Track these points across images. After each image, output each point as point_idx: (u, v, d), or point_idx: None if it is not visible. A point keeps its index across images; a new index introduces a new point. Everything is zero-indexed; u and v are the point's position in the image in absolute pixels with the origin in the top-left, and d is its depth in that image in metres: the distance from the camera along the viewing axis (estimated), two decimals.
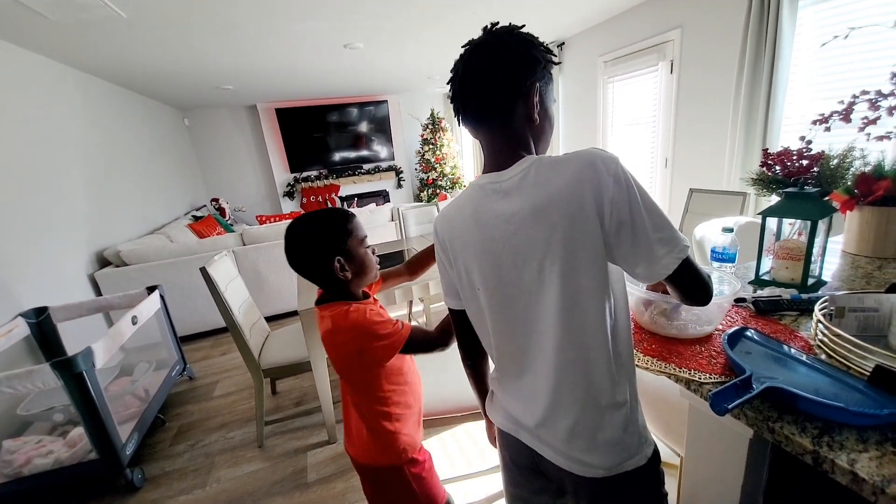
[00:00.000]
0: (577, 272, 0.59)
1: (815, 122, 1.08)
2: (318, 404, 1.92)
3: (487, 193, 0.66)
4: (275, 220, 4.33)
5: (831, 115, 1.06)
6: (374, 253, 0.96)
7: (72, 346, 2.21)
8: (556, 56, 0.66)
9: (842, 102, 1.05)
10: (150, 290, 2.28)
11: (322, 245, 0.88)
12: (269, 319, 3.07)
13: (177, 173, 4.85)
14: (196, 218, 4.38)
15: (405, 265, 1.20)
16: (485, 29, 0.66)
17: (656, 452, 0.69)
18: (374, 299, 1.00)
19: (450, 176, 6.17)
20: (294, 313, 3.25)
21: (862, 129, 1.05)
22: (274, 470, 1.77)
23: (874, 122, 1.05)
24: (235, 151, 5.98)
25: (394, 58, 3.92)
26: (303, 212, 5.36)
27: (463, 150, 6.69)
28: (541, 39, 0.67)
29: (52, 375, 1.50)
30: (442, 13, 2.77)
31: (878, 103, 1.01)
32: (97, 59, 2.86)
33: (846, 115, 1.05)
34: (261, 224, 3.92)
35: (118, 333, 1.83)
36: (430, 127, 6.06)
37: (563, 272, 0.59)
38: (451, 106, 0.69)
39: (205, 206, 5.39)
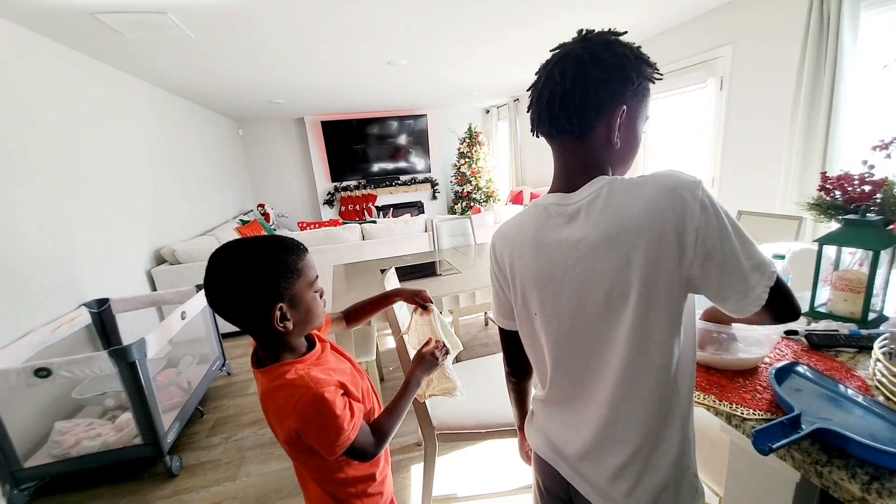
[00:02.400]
0: (651, 307, 0.54)
1: (875, 148, 1.01)
2: None
3: (552, 216, 0.62)
4: (315, 227, 4.52)
5: (893, 141, 0.98)
6: (322, 296, 0.78)
7: (127, 337, 2.39)
8: (657, 71, 0.59)
9: None
10: (199, 288, 2.44)
11: (260, 287, 0.68)
12: None
13: (228, 179, 5.19)
14: (243, 222, 4.64)
15: (342, 312, 1.07)
16: (579, 33, 0.59)
17: None
18: (323, 344, 0.82)
19: (484, 189, 6.20)
20: None
21: None
22: None
23: None
24: (282, 160, 6.32)
25: (435, 75, 4.02)
26: (341, 221, 5.54)
27: (499, 165, 6.71)
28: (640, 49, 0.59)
29: (109, 362, 1.63)
30: (483, 35, 2.83)
31: None
32: (165, 73, 3.13)
33: None
34: (301, 230, 4.10)
35: (168, 327, 1.96)
36: (468, 141, 6.13)
37: (636, 306, 0.55)
38: (528, 117, 0.65)
39: (251, 210, 5.71)
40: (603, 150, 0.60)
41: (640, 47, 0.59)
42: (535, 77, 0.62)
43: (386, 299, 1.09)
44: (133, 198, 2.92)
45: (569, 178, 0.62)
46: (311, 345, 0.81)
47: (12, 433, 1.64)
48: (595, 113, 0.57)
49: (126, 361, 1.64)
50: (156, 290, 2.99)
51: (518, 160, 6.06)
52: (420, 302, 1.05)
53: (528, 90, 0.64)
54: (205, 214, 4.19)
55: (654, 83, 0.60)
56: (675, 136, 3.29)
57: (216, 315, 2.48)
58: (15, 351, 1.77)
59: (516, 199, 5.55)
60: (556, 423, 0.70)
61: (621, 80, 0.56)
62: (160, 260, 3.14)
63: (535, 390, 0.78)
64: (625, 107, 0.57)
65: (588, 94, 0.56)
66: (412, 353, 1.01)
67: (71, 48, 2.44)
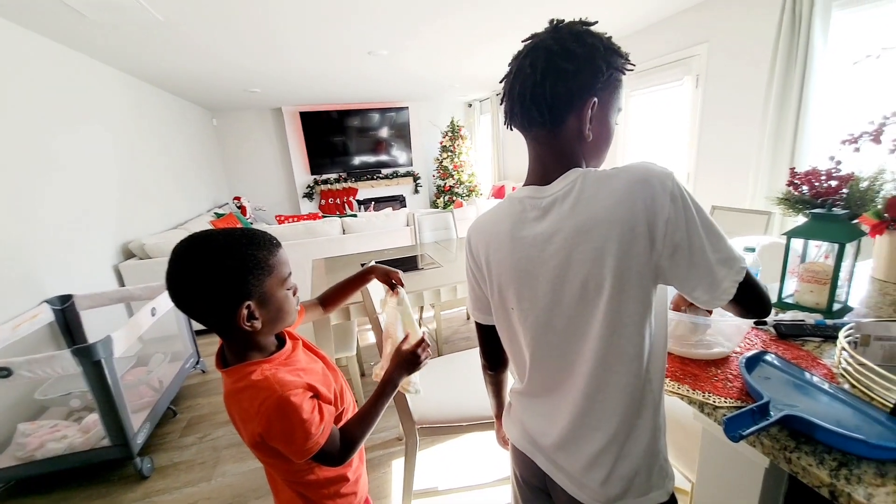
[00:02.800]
0: (623, 297, 0.55)
1: (844, 142, 1.05)
2: None
3: (526, 209, 0.62)
4: (293, 220, 4.42)
5: (861, 136, 1.02)
6: (295, 293, 0.75)
7: (93, 334, 2.28)
8: (628, 62, 0.59)
9: (872, 123, 1.01)
10: None
11: (225, 283, 0.64)
12: None
13: (202, 171, 5.00)
14: (218, 215, 4.50)
15: (318, 298, 1.03)
16: (550, 23, 0.59)
17: (674, 497, 0.65)
18: (294, 343, 0.79)
19: (467, 184, 6.19)
20: None
21: (893, 151, 1.01)
22: None
23: None
24: (259, 152, 6.14)
25: (416, 66, 3.97)
26: (321, 214, 5.44)
27: (481, 159, 6.71)
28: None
29: (72, 361, 1.55)
30: (463, 25, 2.80)
31: None
32: (134, 59, 2.98)
33: (877, 137, 1.01)
34: (279, 224, 4.00)
35: (137, 324, 1.88)
36: (450, 134, 6.10)
37: (609, 297, 0.55)
38: (502, 108, 0.64)
39: (227, 203, 5.53)
40: (575, 142, 0.60)
41: (610, 38, 0.59)
42: (507, 68, 0.62)
43: (362, 279, 1.05)
44: (99, 189, 2.77)
45: (543, 171, 0.62)
46: (281, 343, 0.77)
47: None
48: (566, 105, 0.57)
49: (91, 360, 1.56)
50: (124, 285, 2.86)
51: (500, 154, 6.07)
52: (391, 283, 1.03)
53: (500, 81, 0.64)
54: (177, 207, 4.04)
55: (624, 74, 0.60)
56: (653, 131, 3.35)
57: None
58: None
59: (498, 193, 5.56)
60: (533, 414, 0.70)
61: (592, 71, 0.56)
62: (129, 254, 3.01)
63: (512, 382, 0.78)
64: (596, 98, 0.57)
65: (558, 86, 0.56)
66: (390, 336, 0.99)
67: (30, 30, 2.28)
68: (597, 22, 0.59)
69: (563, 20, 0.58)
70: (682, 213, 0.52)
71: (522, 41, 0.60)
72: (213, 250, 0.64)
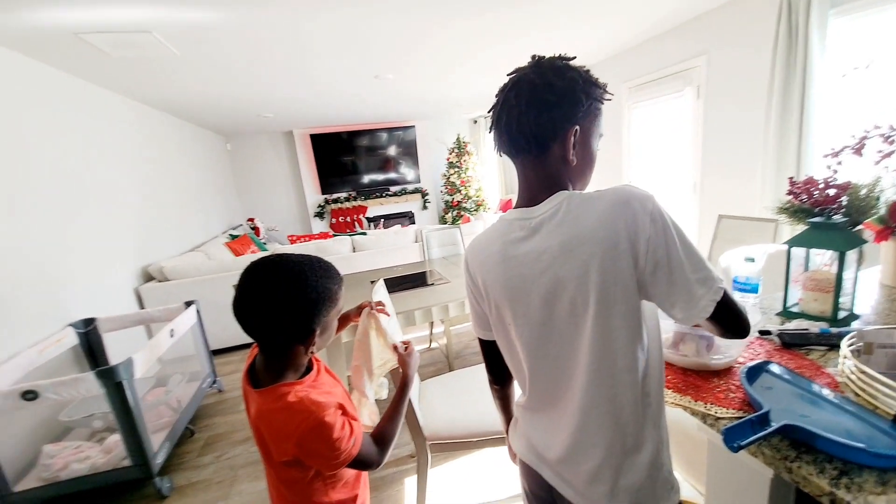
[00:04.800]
0: (609, 312, 0.58)
1: (826, 156, 1.07)
2: None
3: (515, 230, 0.65)
4: (305, 240, 4.52)
5: (843, 149, 1.04)
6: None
7: (115, 356, 2.36)
8: (606, 92, 0.63)
9: (853, 137, 1.03)
10: (188, 304, 2.42)
11: (307, 311, 0.70)
12: None
13: (217, 194, 5.17)
14: (233, 237, 4.62)
15: None
16: (532, 58, 0.63)
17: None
18: (318, 365, 0.83)
19: (474, 199, 6.26)
20: None
21: (878, 163, 1.02)
22: None
23: (889, 155, 1.03)
24: (271, 174, 6.32)
25: (421, 88, 4.09)
26: (332, 233, 5.53)
27: (488, 174, 6.78)
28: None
29: (96, 383, 1.61)
30: (464, 50, 2.90)
31: (892, 138, 0.99)
32: (151, 90, 3.14)
33: (858, 150, 1.03)
34: (291, 243, 4.10)
35: (157, 345, 1.94)
36: (456, 151, 6.21)
37: (595, 312, 0.58)
38: (491, 134, 0.68)
39: (241, 225, 5.68)
40: (561, 167, 0.63)
41: (588, 70, 0.63)
42: (494, 99, 0.66)
43: (345, 321, 1.06)
44: (120, 216, 2.90)
45: (531, 194, 0.65)
46: (309, 364, 0.82)
47: (1, 457, 1.62)
48: (550, 133, 0.61)
49: (113, 382, 1.62)
50: (144, 308, 2.95)
51: (506, 169, 6.15)
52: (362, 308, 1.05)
53: (488, 112, 0.68)
54: (193, 230, 4.17)
55: (603, 103, 0.64)
56: (657, 143, 3.37)
57: (205, 331, 2.49)
58: (1, 374, 1.74)
59: (506, 207, 5.61)
60: (537, 428, 0.72)
61: (572, 102, 0.60)
62: (148, 277, 3.11)
63: (518, 396, 0.80)
64: (577, 127, 0.61)
65: (542, 117, 0.60)
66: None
67: (56, 68, 2.44)
68: (575, 57, 0.64)
69: (544, 56, 0.63)
70: (661, 232, 0.55)
71: (507, 74, 0.65)
72: (298, 279, 0.70)
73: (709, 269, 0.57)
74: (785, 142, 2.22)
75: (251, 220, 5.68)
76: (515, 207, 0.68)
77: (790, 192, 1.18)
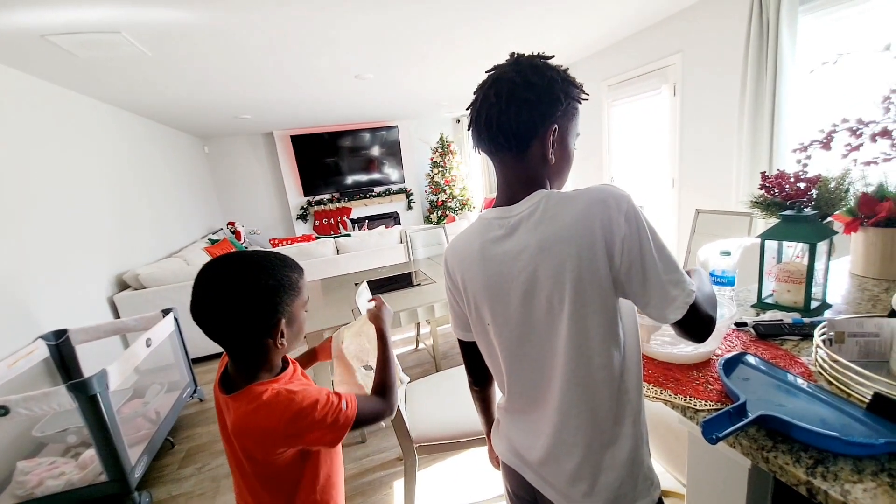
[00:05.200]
0: (585, 310, 0.58)
1: (795, 150, 1.10)
2: None
3: (494, 229, 0.65)
4: (288, 243, 4.45)
5: (811, 144, 1.07)
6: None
7: (89, 368, 2.27)
8: (583, 92, 0.63)
9: (822, 131, 1.06)
10: (165, 312, 2.35)
11: (266, 301, 0.67)
12: None
13: (195, 198, 5.04)
14: (212, 241, 4.51)
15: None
16: (511, 56, 0.63)
17: (661, 502, 0.67)
18: (294, 365, 0.81)
19: (459, 198, 6.26)
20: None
21: (845, 156, 1.05)
22: None
23: (857, 148, 1.06)
24: (251, 176, 6.20)
25: (402, 86, 4.06)
26: (315, 235, 5.45)
27: (472, 173, 6.79)
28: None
29: (68, 397, 1.54)
30: (442, 45, 2.88)
31: (860, 131, 1.03)
32: (123, 92, 3.04)
33: (826, 144, 1.06)
34: (273, 247, 4.03)
35: (133, 355, 1.88)
36: (440, 150, 6.20)
37: (571, 310, 0.58)
38: (468, 132, 0.68)
39: (221, 229, 5.56)
40: (539, 165, 0.63)
41: (567, 70, 0.63)
42: (472, 97, 0.65)
43: (312, 358, 1.04)
44: (92, 222, 2.79)
45: (510, 192, 0.65)
46: (284, 364, 0.80)
47: None
48: (530, 132, 0.61)
49: (86, 395, 1.56)
50: (119, 317, 2.86)
51: (490, 168, 6.16)
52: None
53: (466, 109, 0.67)
54: (171, 236, 4.05)
55: (580, 103, 0.64)
56: (637, 140, 3.43)
57: (184, 339, 2.42)
58: None
59: (490, 205, 5.62)
60: (518, 430, 0.72)
61: (551, 101, 0.60)
62: (123, 286, 3.01)
63: (499, 398, 0.80)
64: (556, 126, 0.61)
65: (522, 115, 0.59)
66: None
67: (21, 71, 2.34)
68: (553, 56, 0.64)
69: (524, 54, 0.63)
70: (636, 232, 0.55)
71: (486, 72, 0.64)
72: (253, 269, 0.68)
73: (681, 272, 0.58)
74: (758, 137, 2.28)
75: (231, 223, 5.56)
76: (494, 206, 0.67)
77: (762, 187, 1.21)
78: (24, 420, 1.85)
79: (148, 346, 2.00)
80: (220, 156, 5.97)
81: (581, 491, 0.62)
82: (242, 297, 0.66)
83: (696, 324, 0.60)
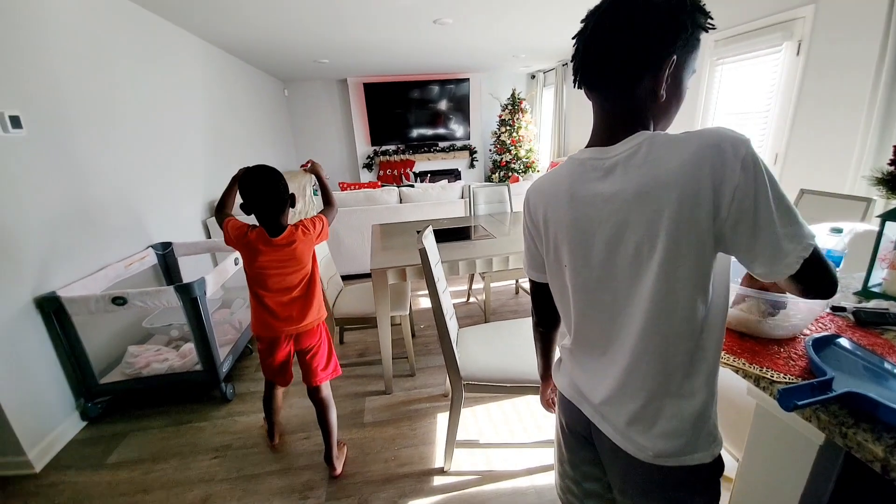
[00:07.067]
0: (677, 262, 0.54)
1: None
2: (379, 358, 2.09)
3: (587, 170, 0.61)
4: (355, 188, 4.64)
5: None
6: None
7: (187, 278, 2.62)
8: (711, 19, 0.56)
9: None
10: None
11: (286, 188, 1.39)
12: (343, 278, 3.34)
13: (275, 138, 5.36)
14: None
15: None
16: None
17: (720, 460, 0.65)
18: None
19: (524, 159, 6.05)
20: (364, 275, 3.50)
21: None
22: (336, 406, 1.98)
23: None
24: (325, 122, 6.43)
25: (481, 35, 3.89)
26: (380, 183, 5.65)
27: (541, 134, 6.49)
28: None
29: (175, 296, 1.82)
30: None
31: None
32: (215, 28, 3.21)
33: None
34: (343, 190, 4.22)
35: (223, 271, 2.14)
36: (510, 108, 5.96)
37: (662, 260, 0.54)
38: (571, 65, 0.63)
39: (296, 170, 5.90)
40: (647, 102, 0.58)
41: None
42: (581, 24, 0.60)
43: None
44: (187, 150, 3.10)
45: (609, 132, 0.61)
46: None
47: (90, 353, 1.89)
48: (644, 62, 0.56)
49: (189, 297, 1.82)
50: (210, 238, 3.22)
51: (561, 130, 5.83)
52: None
53: (573, 38, 0.62)
54: None
55: (707, 32, 0.57)
56: (736, 107, 3.04)
57: None
58: (93, 281, 2.00)
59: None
60: (582, 370, 0.72)
61: (675, 28, 0.54)
62: (213, 211, 3.36)
63: (563, 339, 0.81)
64: (675, 57, 0.55)
65: (638, 43, 0.54)
66: None
67: (142, 6, 2.56)
68: None
69: None
70: (752, 181, 0.49)
71: None
72: (277, 174, 1.40)
73: (801, 224, 0.51)
74: (893, 109, 1.93)
75: (304, 165, 5.88)
76: (588, 146, 0.64)
77: (892, 162, 1.05)
78: (138, 311, 2.20)
79: (236, 264, 2.26)
80: (298, 100, 6.22)
81: (638, 430, 0.62)
82: (284, 188, 1.40)
83: (817, 277, 0.53)
